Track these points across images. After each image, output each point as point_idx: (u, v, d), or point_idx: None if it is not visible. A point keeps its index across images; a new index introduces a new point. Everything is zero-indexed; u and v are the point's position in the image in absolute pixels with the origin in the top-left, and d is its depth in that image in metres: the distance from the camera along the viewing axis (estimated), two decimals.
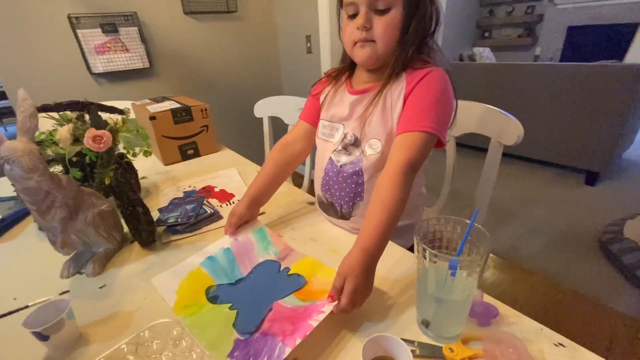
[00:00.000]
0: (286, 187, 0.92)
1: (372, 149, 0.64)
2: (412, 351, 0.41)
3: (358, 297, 0.46)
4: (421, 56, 0.61)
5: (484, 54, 4.18)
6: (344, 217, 0.71)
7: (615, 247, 1.61)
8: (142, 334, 0.47)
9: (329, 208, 0.73)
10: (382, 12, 0.57)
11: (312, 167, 1.03)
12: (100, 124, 0.60)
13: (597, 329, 1.27)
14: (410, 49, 0.59)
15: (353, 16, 0.59)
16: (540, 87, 2.40)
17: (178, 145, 1.14)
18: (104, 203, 0.64)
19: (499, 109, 0.82)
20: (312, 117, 0.76)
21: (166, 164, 1.14)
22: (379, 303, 0.51)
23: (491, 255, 1.70)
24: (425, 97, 0.59)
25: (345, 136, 0.68)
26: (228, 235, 0.66)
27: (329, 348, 0.44)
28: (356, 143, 0.67)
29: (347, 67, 0.71)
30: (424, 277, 0.41)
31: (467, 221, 0.40)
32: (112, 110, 0.68)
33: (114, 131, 0.62)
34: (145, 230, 0.64)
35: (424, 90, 0.59)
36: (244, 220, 0.68)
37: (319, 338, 0.45)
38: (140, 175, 1.04)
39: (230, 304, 0.52)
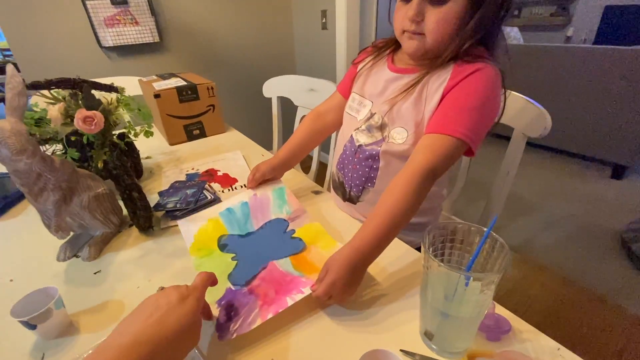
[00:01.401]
0: (291, 172, 0.88)
1: (396, 137, 0.60)
2: None
3: (336, 291, 0.44)
4: (479, 48, 0.54)
5: (512, 34, 3.92)
6: (352, 200, 0.69)
7: (637, 247, 1.53)
8: None
9: (338, 187, 0.72)
10: (438, 3, 0.51)
11: (324, 148, 0.99)
12: (93, 104, 0.57)
13: (611, 330, 1.22)
14: (468, 42, 0.52)
15: (406, 0, 0.54)
16: (570, 72, 2.24)
17: (183, 124, 1.11)
18: (100, 186, 0.62)
19: (526, 97, 0.74)
20: (347, 88, 0.72)
21: (171, 144, 1.11)
22: (380, 306, 0.47)
23: None
24: (467, 98, 0.52)
25: (371, 116, 0.63)
26: (248, 189, 0.70)
27: (321, 356, 0.41)
28: (382, 127, 0.62)
29: (394, 40, 0.64)
30: (429, 287, 0.37)
31: (484, 229, 0.36)
32: (107, 88, 0.65)
33: (107, 111, 0.59)
34: (142, 216, 0.62)
35: (467, 89, 0.52)
36: (266, 179, 0.71)
37: (314, 346, 0.43)
38: (144, 155, 1.02)
39: (234, 255, 0.57)
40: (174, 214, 0.69)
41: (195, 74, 1.28)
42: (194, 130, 1.14)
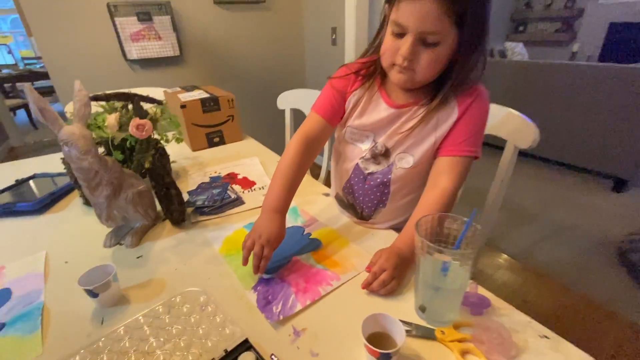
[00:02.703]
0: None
1: (403, 162, 0.67)
2: (409, 331, 0.46)
3: (389, 268, 0.53)
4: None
5: (517, 50, 4.02)
6: (364, 218, 0.76)
7: (635, 257, 1.58)
8: (173, 298, 0.54)
9: (348, 207, 0.78)
10: (430, 45, 0.54)
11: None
12: (142, 114, 0.68)
13: (605, 335, 1.27)
14: (458, 78, 0.59)
15: (398, 35, 0.55)
16: (574, 88, 2.32)
17: (205, 132, 1.22)
18: (141, 184, 0.72)
19: (518, 112, 0.83)
20: (331, 114, 0.71)
21: (194, 150, 1.22)
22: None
23: (504, 256, 1.71)
24: (475, 121, 0.62)
25: (375, 145, 0.69)
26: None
27: (335, 319, 0.50)
28: (386, 154, 0.68)
29: (378, 71, 0.67)
30: (422, 267, 0.46)
31: (466, 219, 0.44)
32: (151, 101, 0.76)
33: (154, 120, 0.69)
34: (177, 210, 0.72)
35: (475, 114, 0.62)
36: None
37: (326, 309, 0.51)
38: (170, 160, 1.13)
39: None
40: (202, 210, 0.78)
41: (213, 85, 1.39)
42: (214, 138, 1.24)
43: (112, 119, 0.64)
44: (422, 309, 0.49)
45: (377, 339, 0.42)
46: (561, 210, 2.07)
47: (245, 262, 0.58)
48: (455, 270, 0.43)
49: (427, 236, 0.47)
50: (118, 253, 0.68)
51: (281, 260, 0.63)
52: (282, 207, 0.64)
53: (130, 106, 0.70)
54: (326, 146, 1.18)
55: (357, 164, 0.72)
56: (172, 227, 0.75)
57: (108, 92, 0.71)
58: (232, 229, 0.74)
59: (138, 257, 0.66)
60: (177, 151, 1.21)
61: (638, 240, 1.68)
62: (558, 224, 1.94)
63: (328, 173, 1.25)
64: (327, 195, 0.87)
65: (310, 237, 0.70)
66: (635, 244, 1.66)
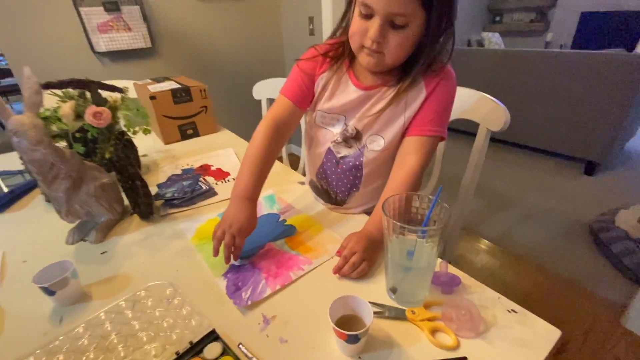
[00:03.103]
0: (279, 167, 0.95)
1: (374, 145, 0.67)
2: (380, 313, 0.46)
3: (358, 251, 0.53)
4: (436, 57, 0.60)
5: (493, 39, 4.10)
6: (338, 203, 0.75)
7: (606, 236, 1.65)
8: (138, 293, 0.52)
9: (322, 193, 0.77)
10: (398, 27, 0.53)
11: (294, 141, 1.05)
12: (100, 102, 0.64)
13: (580, 312, 1.32)
14: (427, 60, 0.58)
15: (366, 16, 0.54)
16: (547, 75, 2.37)
17: (178, 125, 1.18)
18: (105, 176, 0.69)
19: (489, 96, 0.83)
20: (300, 98, 0.69)
21: (166, 143, 1.18)
22: None
23: (484, 241, 1.74)
24: (441, 101, 0.62)
25: (346, 128, 0.68)
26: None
27: (305, 305, 0.49)
28: (357, 136, 0.68)
29: (347, 53, 0.65)
30: (391, 248, 0.45)
31: (432, 197, 0.44)
32: (111, 88, 0.72)
33: (113, 108, 0.66)
34: (144, 203, 0.69)
35: (441, 94, 0.62)
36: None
37: (297, 295, 0.50)
38: (141, 153, 1.08)
39: None
40: (172, 203, 0.75)
41: (187, 77, 1.35)
42: (187, 130, 1.20)
43: (67, 108, 0.61)
44: (393, 290, 0.48)
45: (347, 322, 0.42)
46: (536, 194, 2.13)
47: (216, 253, 0.56)
48: (423, 249, 0.43)
49: (394, 217, 0.46)
50: (81, 249, 0.65)
51: (254, 248, 0.62)
52: (252, 194, 0.62)
53: (89, 94, 0.66)
54: (303, 137, 1.16)
55: (329, 148, 0.71)
56: (140, 221, 0.72)
57: (62, 79, 0.67)
58: (205, 219, 0.72)
59: (102, 253, 0.63)
60: (149, 145, 1.17)
61: (608, 220, 1.75)
62: (533, 208, 1.99)
63: (304, 163, 1.23)
64: (302, 183, 0.86)
65: (285, 223, 0.69)
66: (605, 224, 1.72)
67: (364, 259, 0.53)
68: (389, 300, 0.49)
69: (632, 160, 2.51)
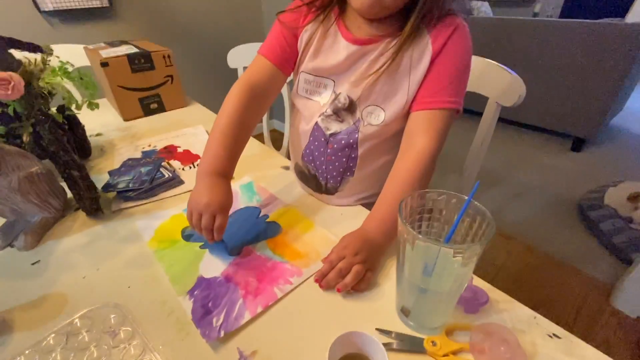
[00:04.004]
0: (258, 147, 0.82)
1: (371, 118, 0.54)
2: (389, 344, 0.35)
3: (348, 256, 0.43)
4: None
5: (482, 9, 3.92)
6: (328, 191, 0.62)
7: (594, 214, 1.63)
8: (74, 321, 0.39)
9: (310, 180, 0.64)
10: None
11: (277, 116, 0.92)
12: (10, 65, 0.48)
13: (570, 292, 1.31)
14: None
15: None
16: (536, 46, 2.27)
17: (139, 97, 1.01)
18: (33, 165, 0.54)
19: (500, 64, 0.72)
20: (281, 58, 0.57)
21: (126, 119, 1.01)
22: None
23: None
24: (454, 62, 0.49)
25: (336, 97, 0.55)
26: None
27: (295, 334, 0.38)
28: (351, 108, 0.55)
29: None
30: (406, 261, 0.35)
31: (465, 197, 0.33)
32: (30, 47, 0.55)
33: (29, 75, 0.50)
34: (87, 197, 0.55)
35: (453, 53, 0.49)
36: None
37: (284, 320, 0.39)
38: (95, 131, 0.92)
39: (202, 243, 0.52)
40: (126, 195, 0.61)
41: (151, 42, 1.15)
42: (151, 104, 1.03)
43: None
44: (404, 312, 0.38)
45: None
46: (524, 171, 2.09)
47: (210, 241, 0.48)
48: (449, 265, 0.32)
49: (410, 219, 0.35)
50: (6, 259, 0.51)
51: (228, 257, 0.50)
52: (225, 169, 0.51)
53: None
54: (287, 110, 1.02)
55: (316, 123, 0.58)
56: (87, 218, 0.59)
57: None
58: (167, 216, 0.59)
59: (34, 264, 0.50)
60: (107, 121, 1.00)
61: (597, 198, 1.73)
62: (522, 186, 1.96)
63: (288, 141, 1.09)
64: (287, 168, 0.73)
65: (268, 220, 0.57)
66: (594, 202, 1.70)
67: (353, 264, 0.43)
68: (399, 325, 0.39)
69: (618, 136, 2.50)
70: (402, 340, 0.36)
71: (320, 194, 0.63)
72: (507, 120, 2.61)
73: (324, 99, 0.57)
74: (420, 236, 0.30)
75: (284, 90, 1.02)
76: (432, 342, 0.35)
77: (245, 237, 0.53)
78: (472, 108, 1.24)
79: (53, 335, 0.38)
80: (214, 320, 0.39)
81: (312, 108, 0.58)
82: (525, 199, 1.84)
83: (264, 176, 0.70)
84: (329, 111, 0.56)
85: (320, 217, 0.58)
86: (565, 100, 2.24)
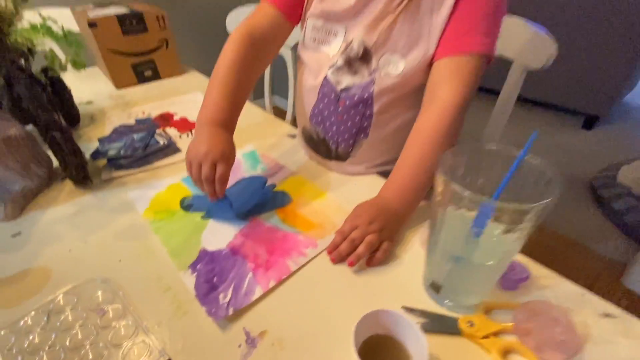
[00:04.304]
0: (260, 115, 0.76)
1: (389, 67, 0.47)
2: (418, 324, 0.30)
3: (362, 224, 0.39)
4: None
5: None
6: (339, 157, 0.56)
7: (606, 193, 1.58)
8: (57, 299, 0.35)
9: (319, 145, 0.57)
10: None
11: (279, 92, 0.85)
12: None
13: (581, 272, 1.27)
14: None
15: None
16: (550, 17, 2.15)
17: (131, 63, 0.93)
18: (11, 127, 0.48)
19: (525, 20, 0.64)
20: (287, 5, 0.52)
21: (118, 87, 0.93)
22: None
23: None
24: (482, 1, 0.42)
25: (349, 45, 0.48)
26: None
27: (310, 313, 0.33)
28: (365, 57, 0.48)
29: None
30: (442, 227, 0.29)
31: (518, 151, 0.27)
32: None
33: None
34: (72, 162, 0.49)
35: None
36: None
37: (297, 297, 0.35)
38: (85, 99, 0.85)
39: (203, 214, 0.47)
40: (118, 163, 0.56)
41: (144, 2, 1.06)
42: (145, 71, 0.96)
43: None
44: (434, 288, 0.33)
45: (377, 346, 0.27)
46: (536, 150, 2.01)
47: (212, 196, 0.43)
48: (497, 236, 0.27)
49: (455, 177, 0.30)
50: None
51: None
52: (226, 120, 0.47)
53: None
54: (291, 75, 0.94)
55: (325, 77, 0.51)
56: (74, 188, 0.53)
57: None
58: (164, 185, 0.53)
59: (14, 236, 0.45)
60: (99, 89, 0.93)
61: (608, 176, 1.67)
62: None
63: (293, 109, 1.02)
64: (293, 136, 0.67)
65: (275, 189, 0.52)
66: (606, 181, 1.65)
67: (367, 233, 0.38)
68: (427, 301, 0.34)
69: (630, 114, 2.41)
70: (432, 320, 0.32)
71: (331, 160, 0.56)
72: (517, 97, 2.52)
73: (333, 49, 0.50)
74: (468, 191, 0.24)
75: (287, 55, 0.94)
76: (469, 322, 0.30)
77: (250, 201, 0.47)
78: (488, 87, 1.17)
79: (33, 313, 0.33)
80: (221, 296, 0.35)
81: (321, 60, 0.51)
82: None
83: (268, 145, 0.64)
84: (340, 62, 0.49)
85: (332, 188, 0.52)
86: (578, 75, 2.14)
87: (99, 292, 0.35)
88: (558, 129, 2.24)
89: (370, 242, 0.37)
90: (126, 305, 0.34)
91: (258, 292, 0.35)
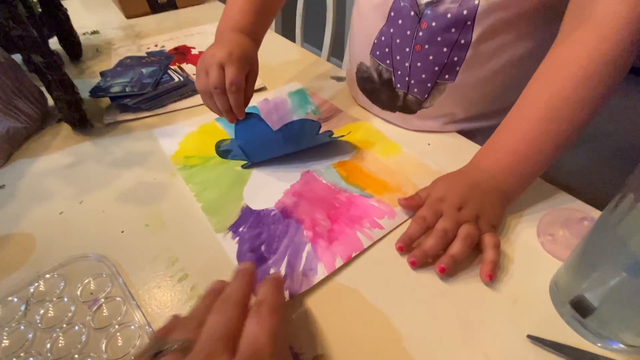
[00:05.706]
0: (297, 52, 0.62)
1: None
2: None
3: (448, 209, 0.28)
4: None
5: None
6: (407, 108, 0.41)
7: None
8: (39, 283, 0.26)
9: (379, 90, 0.42)
10: None
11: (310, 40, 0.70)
12: None
13: None
14: None
15: None
16: None
17: None
18: None
19: None
20: None
21: (128, 17, 0.80)
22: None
23: None
24: None
25: None
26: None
27: (390, 317, 0.23)
28: None
29: None
30: (624, 217, 0.17)
31: None
32: None
33: None
34: (63, 99, 0.38)
35: None
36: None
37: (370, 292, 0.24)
38: (89, 28, 0.73)
39: (245, 162, 0.38)
40: (123, 103, 0.45)
41: None
42: None
43: None
44: (579, 309, 0.22)
45: None
46: (600, 114, 1.78)
47: (229, 115, 0.35)
48: None
49: None
50: None
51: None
52: (251, 27, 0.38)
53: None
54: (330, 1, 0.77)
55: None
56: (72, 132, 0.43)
57: None
58: (195, 125, 0.44)
59: None
60: (106, 19, 0.80)
61: None
62: (589, 130, 1.67)
63: (333, 33, 0.81)
64: (339, 79, 0.53)
65: (332, 136, 0.39)
66: None
67: (459, 223, 0.27)
68: (565, 331, 0.23)
69: None
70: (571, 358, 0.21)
71: (394, 112, 0.42)
72: None
73: None
74: None
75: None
76: None
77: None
78: None
79: (9, 299, 0.25)
80: (272, 271, 0.26)
81: None
82: (590, 147, 1.57)
83: (313, 87, 0.51)
84: None
85: (404, 136, 0.41)
86: None
87: (93, 276, 0.26)
88: (627, 94, 1.95)
89: (470, 236, 0.26)
90: (127, 295, 0.24)
91: (321, 272, 0.26)
